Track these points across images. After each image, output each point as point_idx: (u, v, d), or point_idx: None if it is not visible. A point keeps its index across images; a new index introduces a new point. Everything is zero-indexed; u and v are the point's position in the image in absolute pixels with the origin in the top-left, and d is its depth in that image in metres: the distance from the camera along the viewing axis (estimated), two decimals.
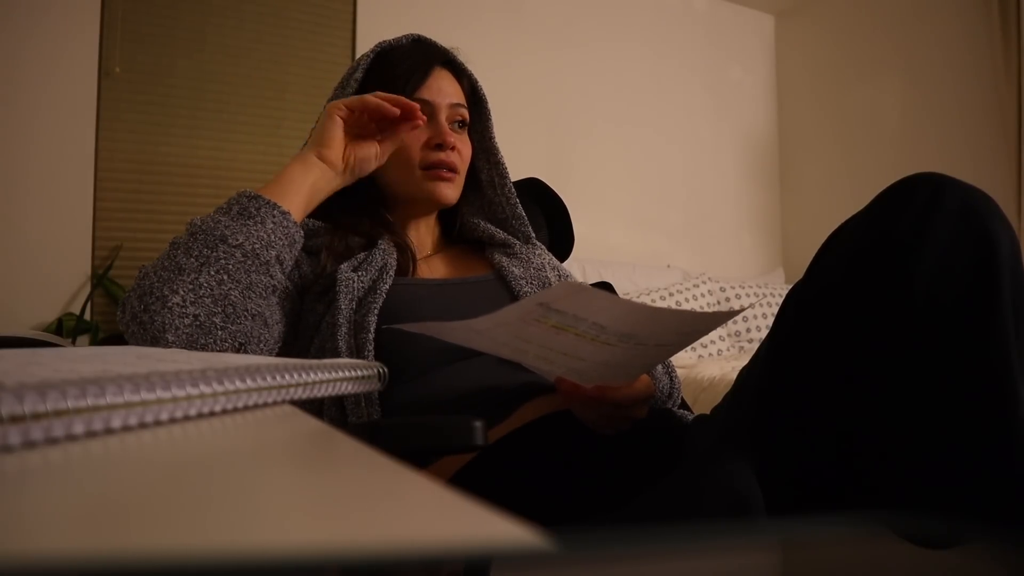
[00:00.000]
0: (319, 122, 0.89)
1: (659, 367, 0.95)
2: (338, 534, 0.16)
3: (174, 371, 0.30)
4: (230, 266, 0.74)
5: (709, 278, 3.11)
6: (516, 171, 1.13)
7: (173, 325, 0.70)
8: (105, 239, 2.39)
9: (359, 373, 0.44)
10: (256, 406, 0.35)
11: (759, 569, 0.18)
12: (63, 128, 2.33)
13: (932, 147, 3.03)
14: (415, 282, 0.93)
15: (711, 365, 2.35)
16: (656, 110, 3.45)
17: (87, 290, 2.32)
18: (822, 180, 3.56)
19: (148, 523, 0.17)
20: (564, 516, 0.65)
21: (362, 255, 0.91)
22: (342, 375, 0.42)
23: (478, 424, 0.58)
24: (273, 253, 0.78)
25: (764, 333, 2.47)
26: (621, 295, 1.52)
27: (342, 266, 0.88)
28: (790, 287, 0.74)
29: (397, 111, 0.85)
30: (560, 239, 1.23)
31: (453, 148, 0.96)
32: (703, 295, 3.01)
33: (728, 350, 2.90)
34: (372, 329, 0.82)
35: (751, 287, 3.12)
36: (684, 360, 2.55)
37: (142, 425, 0.28)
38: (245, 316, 0.75)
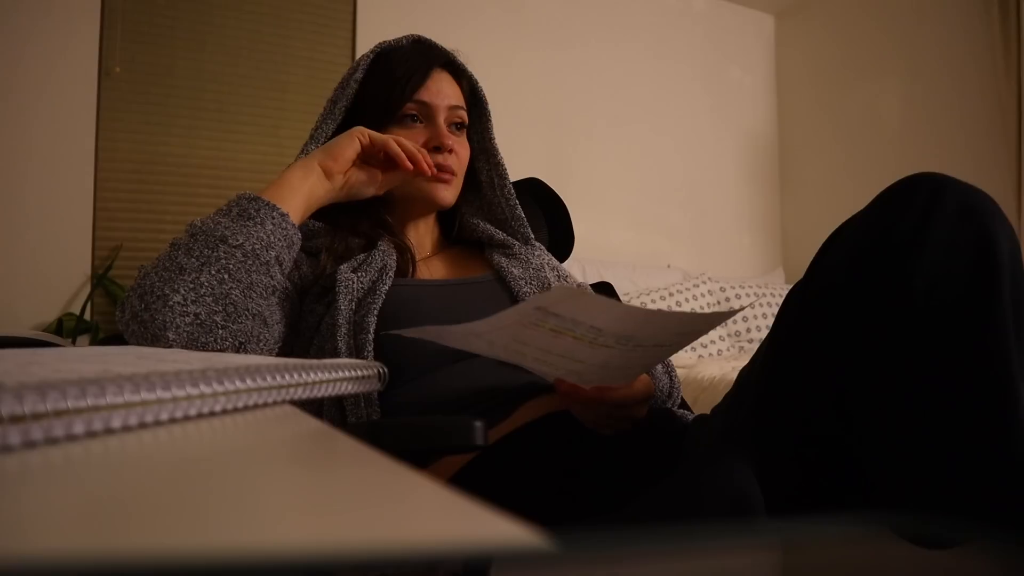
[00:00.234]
0: (332, 136, 0.90)
1: (658, 366, 0.95)
2: (338, 534, 0.16)
3: (174, 371, 0.30)
4: (231, 266, 0.74)
5: (709, 278, 3.11)
6: (516, 171, 1.13)
7: (174, 323, 0.70)
8: (105, 239, 2.39)
9: (359, 373, 0.44)
10: (256, 406, 0.35)
11: (759, 569, 0.18)
12: (63, 128, 2.33)
13: (932, 147, 3.03)
14: (414, 283, 0.93)
15: (711, 365, 2.35)
16: (656, 110, 3.45)
17: (87, 290, 2.32)
18: (822, 180, 3.55)
19: (148, 523, 0.17)
20: (564, 516, 0.65)
21: (362, 256, 0.91)
22: (342, 375, 0.42)
23: (478, 424, 0.58)
24: (273, 254, 0.78)
25: (764, 333, 2.47)
26: (621, 295, 1.52)
27: (342, 267, 0.88)
28: (790, 287, 0.74)
29: (411, 167, 0.88)
30: (560, 239, 1.23)
31: (451, 151, 0.96)
32: (703, 295, 3.01)
33: (728, 350, 2.90)
34: (371, 330, 0.82)
35: (751, 287, 3.12)
36: (684, 360, 2.55)
37: (142, 425, 0.28)
38: (246, 315, 0.75)
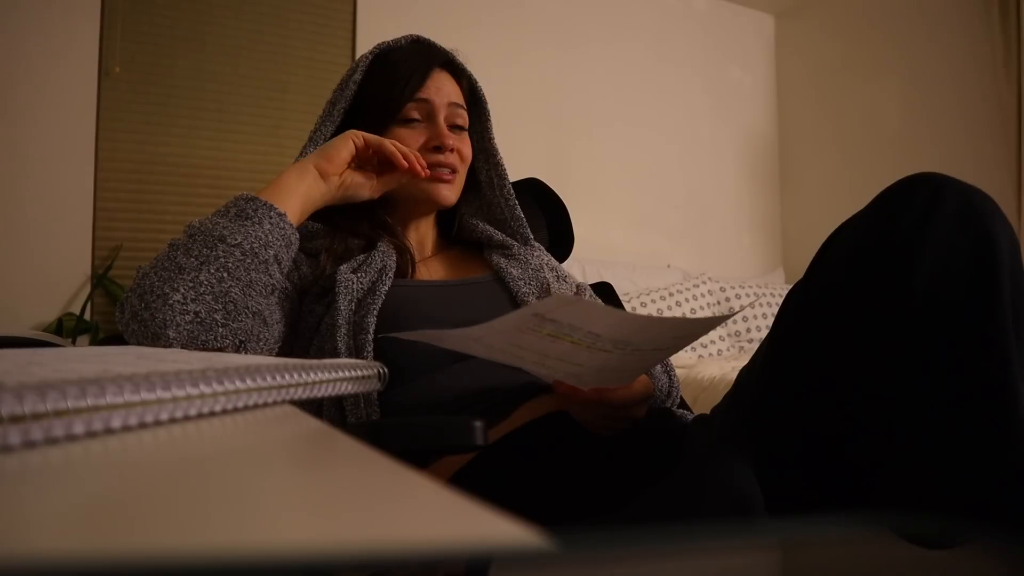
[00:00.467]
0: (329, 139, 0.90)
1: (657, 366, 0.95)
2: (338, 534, 0.16)
3: (174, 371, 0.30)
4: (230, 264, 0.75)
5: (709, 278, 3.11)
6: (516, 171, 1.13)
7: (174, 322, 0.70)
8: (105, 239, 2.39)
9: (359, 373, 0.44)
10: (256, 406, 0.35)
11: (759, 569, 0.18)
12: (63, 128, 2.33)
13: (932, 147, 3.03)
14: (414, 283, 0.93)
15: (711, 365, 2.35)
16: (656, 110, 3.45)
17: (87, 290, 2.32)
18: (822, 180, 3.55)
19: (148, 523, 0.17)
20: (564, 516, 0.65)
21: (361, 257, 0.91)
22: (342, 375, 0.42)
23: (478, 424, 0.58)
24: (271, 252, 0.78)
25: (764, 333, 2.47)
26: (621, 295, 1.52)
27: (341, 267, 0.88)
28: (790, 287, 0.74)
29: (406, 165, 0.88)
30: (560, 239, 1.23)
31: (452, 149, 0.96)
32: (703, 295, 3.01)
33: (728, 350, 2.90)
34: (371, 330, 0.82)
35: (751, 287, 3.12)
36: (684, 360, 2.55)
37: (142, 425, 0.28)
38: (245, 313, 0.75)
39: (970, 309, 0.60)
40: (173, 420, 0.30)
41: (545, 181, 1.24)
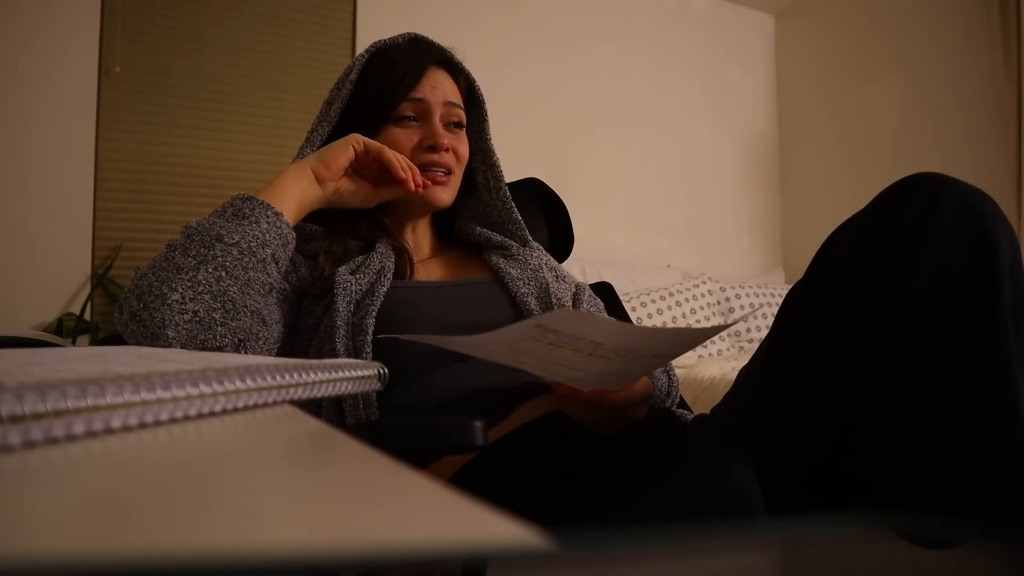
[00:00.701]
0: (327, 138, 0.89)
1: None
2: (337, 534, 0.16)
3: (174, 371, 0.30)
4: (227, 263, 0.75)
5: (709, 278, 3.11)
6: (516, 171, 1.13)
7: (173, 321, 0.70)
8: (105, 239, 2.39)
9: (359, 373, 0.44)
10: (256, 406, 0.35)
11: (759, 569, 0.18)
12: (63, 128, 2.33)
13: (932, 147, 3.03)
14: (413, 284, 0.93)
15: (711, 365, 2.35)
16: (656, 110, 3.45)
17: (87, 290, 2.32)
18: (822, 180, 3.56)
19: (148, 523, 0.17)
20: (564, 516, 0.65)
21: (360, 258, 0.91)
22: (342, 375, 0.42)
23: (478, 424, 0.58)
24: (269, 251, 0.78)
25: (764, 333, 2.46)
26: (621, 295, 1.52)
27: (340, 269, 0.88)
28: (790, 287, 0.74)
29: (403, 175, 0.88)
30: (559, 239, 1.22)
31: (447, 149, 0.96)
32: (703, 295, 3.00)
33: (728, 350, 2.90)
34: (370, 331, 0.82)
35: (751, 287, 3.12)
36: (684, 360, 2.55)
37: (142, 425, 0.28)
38: (244, 312, 0.75)
39: (970, 309, 0.60)
40: (173, 420, 0.30)
41: (545, 181, 1.24)
